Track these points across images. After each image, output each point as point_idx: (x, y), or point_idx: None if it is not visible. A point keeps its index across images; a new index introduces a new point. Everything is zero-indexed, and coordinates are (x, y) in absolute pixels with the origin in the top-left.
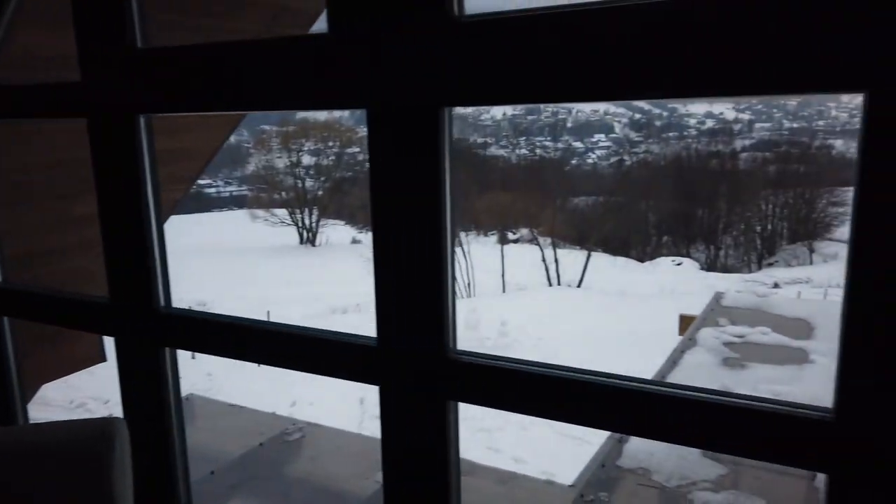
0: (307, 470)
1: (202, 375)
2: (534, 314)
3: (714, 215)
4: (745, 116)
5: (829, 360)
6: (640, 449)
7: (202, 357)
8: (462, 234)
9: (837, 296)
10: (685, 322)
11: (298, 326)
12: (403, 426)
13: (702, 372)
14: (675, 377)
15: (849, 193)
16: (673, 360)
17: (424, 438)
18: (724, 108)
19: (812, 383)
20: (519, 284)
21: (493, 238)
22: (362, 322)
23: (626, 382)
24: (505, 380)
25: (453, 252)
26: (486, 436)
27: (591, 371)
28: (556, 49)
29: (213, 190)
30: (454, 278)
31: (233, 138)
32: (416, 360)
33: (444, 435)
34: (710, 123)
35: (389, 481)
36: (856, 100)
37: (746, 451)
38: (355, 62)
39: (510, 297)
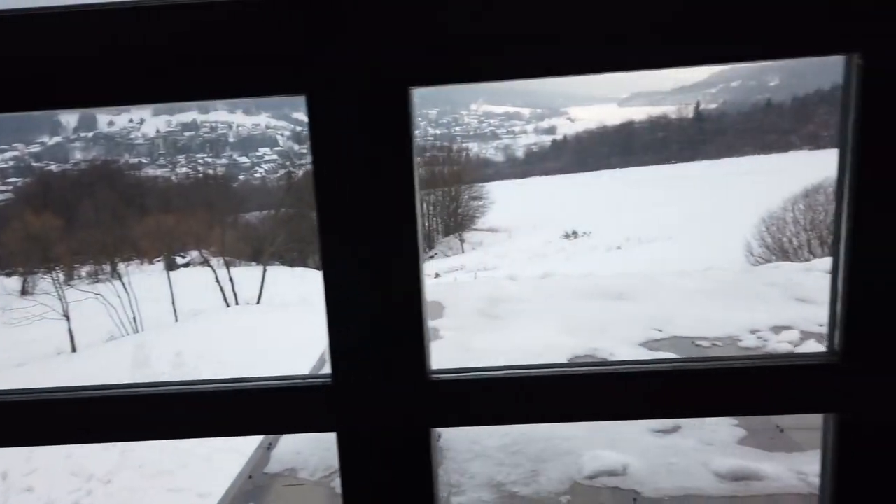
0: None
1: None
2: (213, 339)
3: None
4: None
5: (455, 334)
6: (287, 451)
7: None
8: (122, 265)
9: (486, 277)
10: None
11: (212, 380)
12: (377, 471)
13: None
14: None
15: (485, 188)
16: (324, 360)
17: (405, 479)
18: None
19: (441, 354)
20: (194, 310)
21: (160, 265)
22: None
23: (625, 366)
24: (497, 391)
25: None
26: (168, 478)
27: (585, 363)
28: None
29: None
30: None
31: None
32: (390, 389)
33: (429, 469)
34: None
35: None
36: (483, 107)
37: (760, 409)
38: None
39: (184, 325)
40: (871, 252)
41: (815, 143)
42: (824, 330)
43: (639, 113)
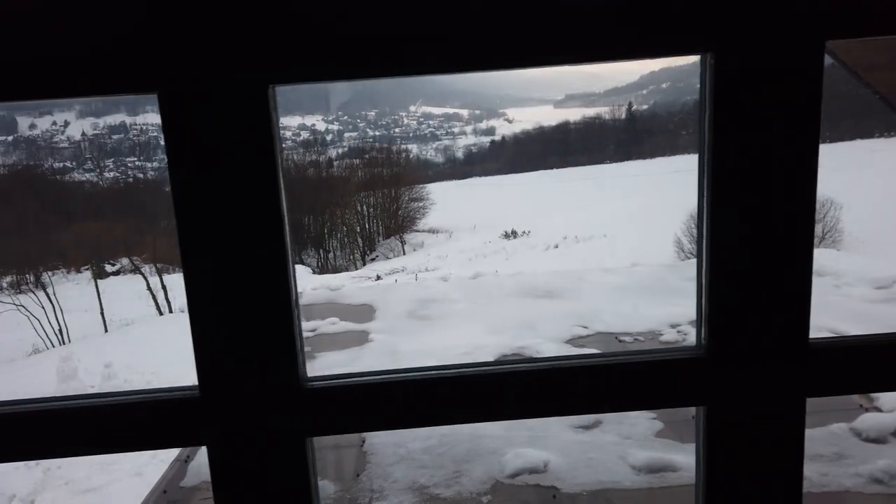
0: None
1: None
2: (145, 348)
3: (319, 221)
4: (335, 127)
5: (385, 336)
6: (204, 462)
7: None
8: (47, 275)
9: (427, 278)
10: None
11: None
12: (251, 485)
13: None
14: None
15: (426, 189)
16: None
17: (281, 492)
18: (316, 121)
19: (370, 359)
20: (125, 319)
21: (88, 273)
22: None
23: (501, 367)
24: (375, 396)
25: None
26: (96, 496)
27: (462, 364)
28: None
29: None
30: (297, 292)
31: None
32: (261, 399)
33: (306, 481)
34: (304, 135)
35: None
36: (422, 109)
37: (634, 404)
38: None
39: (114, 335)
40: (730, 248)
41: None
42: None
43: (574, 114)
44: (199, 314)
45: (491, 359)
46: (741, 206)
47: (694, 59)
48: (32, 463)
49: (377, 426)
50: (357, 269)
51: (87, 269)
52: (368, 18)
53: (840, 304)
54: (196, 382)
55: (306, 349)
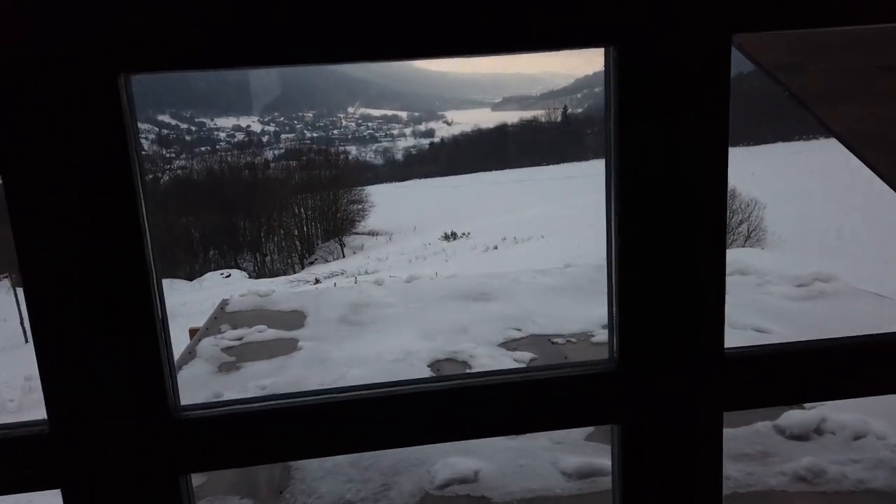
0: None
1: None
2: None
3: (256, 224)
4: (271, 128)
5: (315, 344)
6: None
7: None
8: None
9: (366, 280)
10: (194, 335)
11: None
12: None
13: (197, 383)
14: None
15: (365, 191)
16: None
17: None
18: (251, 122)
19: (298, 369)
20: None
21: (6, 282)
22: None
23: (395, 389)
24: (255, 425)
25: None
26: None
27: (349, 387)
28: None
29: None
30: (163, 309)
31: None
32: (123, 432)
33: None
34: (239, 136)
35: None
36: (360, 110)
37: (540, 425)
38: None
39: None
40: (638, 255)
41: None
42: None
43: (511, 117)
44: (44, 336)
45: (424, 364)
46: (649, 210)
47: None
48: None
49: (264, 458)
50: (295, 272)
51: (5, 278)
52: (225, 4)
53: (763, 302)
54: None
55: (229, 359)
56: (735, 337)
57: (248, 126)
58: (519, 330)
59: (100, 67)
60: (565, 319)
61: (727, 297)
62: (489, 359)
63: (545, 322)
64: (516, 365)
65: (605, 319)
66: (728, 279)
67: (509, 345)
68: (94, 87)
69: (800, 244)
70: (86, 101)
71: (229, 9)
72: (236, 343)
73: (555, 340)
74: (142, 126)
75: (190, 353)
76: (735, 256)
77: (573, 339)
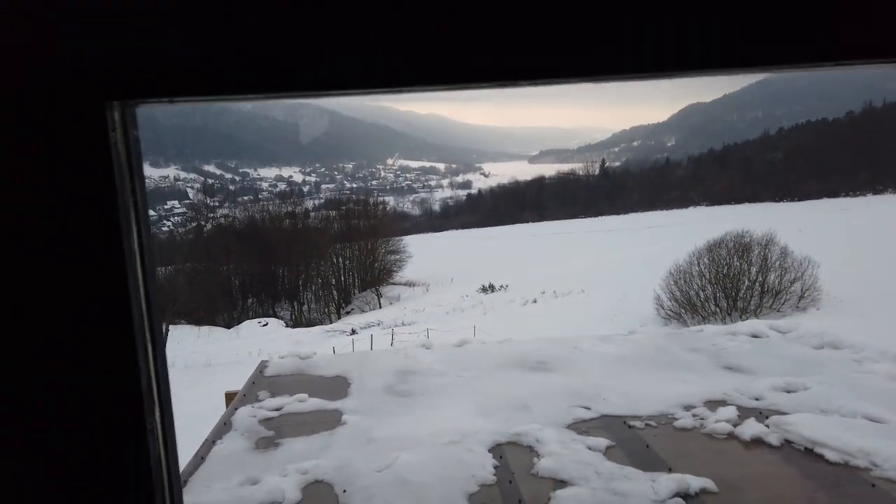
0: None
1: None
2: None
3: (294, 273)
4: (312, 178)
5: (360, 418)
6: None
7: None
8: None
9: (402, 333)
10: (230, 400)
11: None
12: None
13: (232, 462)
14: (200, 478)
15: (402, 241)
16: (201, 456)
17: None
18: (293, 172)
19: (342, 449)
20: None
21: None
22: None
23: None
24: None
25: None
26: None
27: None
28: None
29: None
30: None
31: None
32: None
33: None
34: (281, 186)
35: None
36: (399, 162)
37: None
38: None
39: None
40: None
41: (711, 199)
42: (762, 405)
43: (548, 169)
44: None
45: (485, 448)
46: None
47: (663, 118)
48: None
49: None
50: (332, 321)
51: None
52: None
53: (866, 383)
54: None
55: (268, 433)
56: (844, 425)
57: (290, 176)
58: (588, 409)
59: (86, 95)
60: (638, 397)
61: (822, 377)
62: (558, 445)
63: (616, 400)
64: (590, 453)
65: (684, 398)
66: (819, 353)
67: (579, 427)
68: (79, 114)
69: (858, 306)
70: (70, 127)
71: (219, 40)
72: (275, 414)
73: (631, 423)
74: (187, 175)
75: (225, 425)
76: (822, 327)
77: (652, 423)
